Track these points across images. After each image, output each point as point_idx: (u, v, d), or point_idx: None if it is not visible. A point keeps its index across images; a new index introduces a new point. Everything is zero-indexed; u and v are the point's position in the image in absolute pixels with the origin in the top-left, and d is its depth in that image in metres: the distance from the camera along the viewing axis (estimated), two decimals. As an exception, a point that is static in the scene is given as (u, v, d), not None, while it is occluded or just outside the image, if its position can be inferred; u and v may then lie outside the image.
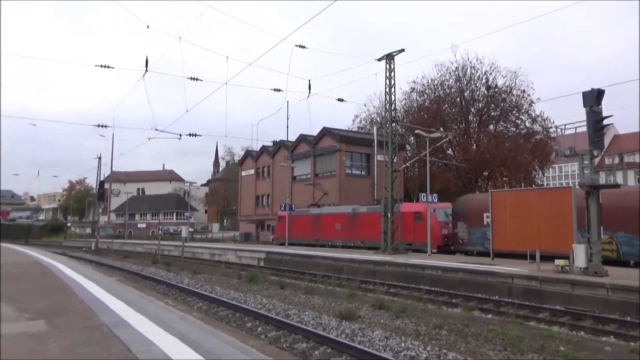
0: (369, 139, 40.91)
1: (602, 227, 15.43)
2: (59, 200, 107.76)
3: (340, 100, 31.35)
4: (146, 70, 24.11)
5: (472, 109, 42.76)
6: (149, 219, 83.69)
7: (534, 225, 18.38)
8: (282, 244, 34.92)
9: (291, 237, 34.14)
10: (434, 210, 24.87)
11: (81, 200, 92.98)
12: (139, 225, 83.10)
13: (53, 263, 21.05)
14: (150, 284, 18.02)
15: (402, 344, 8.03)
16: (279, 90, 27.99)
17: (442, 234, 24.88)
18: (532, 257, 16.57)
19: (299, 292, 14.31)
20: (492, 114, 42.19)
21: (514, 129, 41.70)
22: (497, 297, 14.02)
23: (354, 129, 51.06)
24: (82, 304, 8.89)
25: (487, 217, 21.20)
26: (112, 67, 24.60)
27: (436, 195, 24.66)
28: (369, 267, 19.72)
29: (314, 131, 45.66)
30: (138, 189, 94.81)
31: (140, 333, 6.39)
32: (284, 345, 8.48)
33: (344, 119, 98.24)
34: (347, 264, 20.87)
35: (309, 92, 27.12)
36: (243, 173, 53.86)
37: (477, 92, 42.12)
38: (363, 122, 52.40)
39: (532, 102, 40.51)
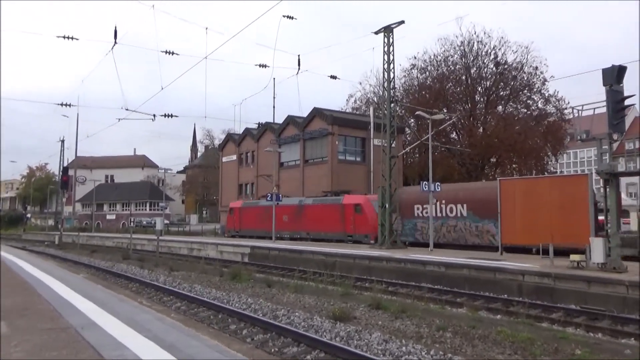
0: (364, 121, 40.83)
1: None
2: (18, 189, 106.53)
3: (333, 77, 31.28)
4: (115, 43, 23.77)
5: (479, 88, 42.84)
6: (118, 210, 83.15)
7: (546, 217, 18.56)
8: (234, 237, 38.91)
9: (242, 229, 38.57)
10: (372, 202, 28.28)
11: (42, 189, 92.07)
12: (108, 217, 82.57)
13: (12, 259, 20.87)
14: (121, 281, 17.97)
15: (403, 348, 8.08)
16: (265, 66, 27.78)
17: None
18: (545, 252, 16.75)
19: (288, 291, 14.34)
20: (501, 93, 42.31)
21: (525, 110, 41.91)
22: (506, 295, 14.15)
23: (348, 110, 50.94)
24: (46, 304, 8.82)
25: (417, 208, 25.85)
26: (77, 39, 24.18)
27: (439, 183, 24.72)
28: (364, 263, 19.81)
29: (304, 112, 45.52)
30: (106, 176, 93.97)
31: (111, 336, 6.34)
32: (273, 350, 8.50)
33: (337, 99, 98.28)
34: (340, 259, 20.95)
35: (299, 68, 27.01)
36: (224, 159, 53.58)
37: (485, 69, 42.19)
38: (358, 102, 52.35)
39: (545, 80, 40.74)
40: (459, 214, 23.92)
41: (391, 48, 25.07)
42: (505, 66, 41.26)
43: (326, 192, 35.00)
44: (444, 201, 24.69)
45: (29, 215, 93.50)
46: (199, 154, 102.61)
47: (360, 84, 59.10)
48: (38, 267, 17.22)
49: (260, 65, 27.76)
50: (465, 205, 23.59)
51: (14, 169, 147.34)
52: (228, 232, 41.56)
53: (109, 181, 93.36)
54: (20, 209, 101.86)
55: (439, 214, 24.75)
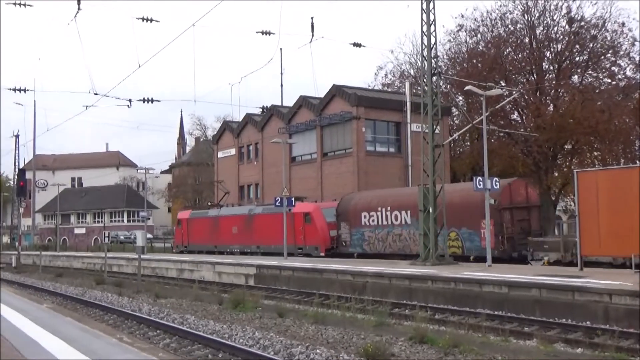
0: (398, 100, 40.68)
1: (446, 224, 24.76)
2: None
3: (357, 45, 31.26)
4: (79, 9, 24.14)
5: (547, 53, 42.30)
6: (89, 222, 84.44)
7: (640, 219, 18.31)
8: (182, 252, 43.02)
9: (191, 244, 42.65)
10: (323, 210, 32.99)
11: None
12: (76, 231, 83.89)
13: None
14: (95, 312, 18.25)
15: (456, 392, 8.09)
16: (269, 33, 27.95)
17: (331, 235, 32.14)
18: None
19: (306, 322, 14.44)
20: (577, 59, 41.73)
21: (609, 81, 41.25)
22: (588, 322, 14.08)
23: (377, 87, 50.79)
24: (4, 342, 9.02)
25: (365, 216, 30.22)
26: (30, 5, 24.62)
27: (497, 179, 24.52)
28: (403, 285, 19.83)
29: (320, 92, 45.57)
30: (73, 179, 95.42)
31: (86, 384, 6.48)
32: (288, 397, 8.58)
33: (363, 74, 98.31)
34: (372, 280, 21.00)
35: (312, 35, 27.00)
36: (220, 154, 53.93)
37: (555, 28, 41.62)
38: (390, 76, 52.06)
39: (634, 40, 40.04)
40: (403, 222, 28.27)
41: (431, 4, 24.93)
42: (582, 23, 40.63)
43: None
44: (389, 208, 29.27)
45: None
46: (187, 149, 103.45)
47: (392, 52, 59.14)
48: (-9, 296, 17.59)
49: (263, 33, 27.94)
50: (409, 212, 27.71)
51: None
52: (176, 247, 45.70)
53: (76, 185, 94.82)
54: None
55: (385, 222, 29.34)
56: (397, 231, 28.76)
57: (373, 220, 29.81)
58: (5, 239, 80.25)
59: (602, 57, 41.20)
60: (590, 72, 41.92)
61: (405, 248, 28.24)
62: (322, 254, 31.79)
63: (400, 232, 28.67)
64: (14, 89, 32.25)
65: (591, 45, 40.75)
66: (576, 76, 42.09)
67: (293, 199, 32.09)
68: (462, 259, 25.80)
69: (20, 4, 24.50)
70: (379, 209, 29.74)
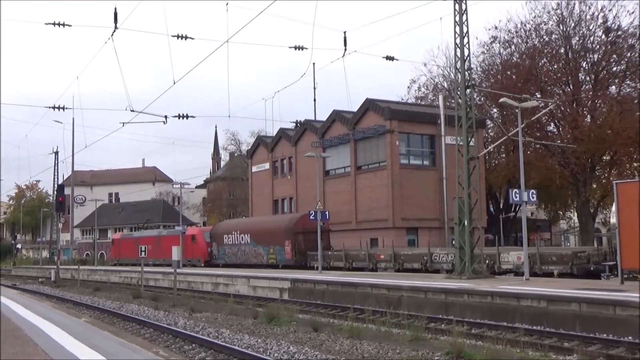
0: (432, 113, 40.53)
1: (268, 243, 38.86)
2: (5, 213, 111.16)
3: (390, 59, 31.30)
4: (115, 28, 24.69)
5: (584, 64, 41.79)
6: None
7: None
8: (115, 265, 55.66)
9: (121, 258, 55.21)
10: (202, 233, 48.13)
11: (34, 212, 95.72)
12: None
13: (2, 300, 21.81)
14: (132, 326, 18.49)
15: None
16: (302, 48, 28.21)
17: (208, 251, 45.59)
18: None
19: (341, 336, 14.39)
20: (614, 69, 41.12)
21: (648, 90, 40.52)
22: (630, 338, 13.71)
23: (410, 101, 50.72)
24: (44, 356, 9.17)
25: (226, 237, 43.54)
26: (69, 25, 25.27)
27: (534, 192, 24.17)
28: (439, 299, 19.62)
29: (353, 106, 45.63)
30: (110, 195, 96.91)
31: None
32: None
33: (396, 87, 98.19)
34: (407, 294, 20.83)
35: (345, 49, 27.09)
36: (254, 168, 54.34)
37: (591, 38, 41.11)
38: (423, 89, 52.05)
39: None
40: (245, 242, 41.29)
41: (464, 16, 24.84)
42: (619, 33, 40.04)
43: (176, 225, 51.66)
44: (239, 232, 42.17)
45: (19, 245, 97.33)
46: (222, 164, 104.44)
47: (425, 65, 58.52)
48: (32, 309, 17.93)
49: (295, 48, 28.21)
50: (248, 235, 41.00)
51: None
52: (111, 260, 59.68)
53: (113, 200, 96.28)
54: (9, 237, 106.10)
55: (236, 242, 42.14)
56: (243, 248, 41.50)
57: (230, 241, 42.89)
58: (45, 254, 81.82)
59: (641, 67, 40.53)
60: (628, 82, 41.28)
61: (247, 260, 40.73)
62: (202, 265, 45.12)
63: (245, 249, 41.28)
64: (53, 107, 33.10)
65: (629, 54, 40.15)
66: (614, 86, 41.46)
67: (320, 215, 32.23)
68: (274, 267, 37.38)
69: (59, 24, 25.19)
70: (233, 232, 42.85)
